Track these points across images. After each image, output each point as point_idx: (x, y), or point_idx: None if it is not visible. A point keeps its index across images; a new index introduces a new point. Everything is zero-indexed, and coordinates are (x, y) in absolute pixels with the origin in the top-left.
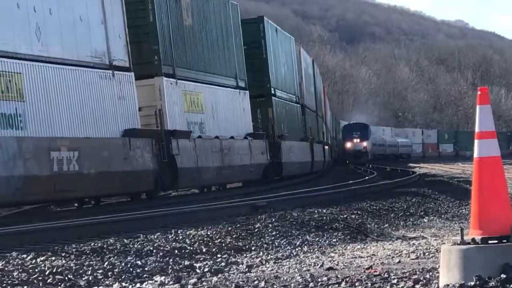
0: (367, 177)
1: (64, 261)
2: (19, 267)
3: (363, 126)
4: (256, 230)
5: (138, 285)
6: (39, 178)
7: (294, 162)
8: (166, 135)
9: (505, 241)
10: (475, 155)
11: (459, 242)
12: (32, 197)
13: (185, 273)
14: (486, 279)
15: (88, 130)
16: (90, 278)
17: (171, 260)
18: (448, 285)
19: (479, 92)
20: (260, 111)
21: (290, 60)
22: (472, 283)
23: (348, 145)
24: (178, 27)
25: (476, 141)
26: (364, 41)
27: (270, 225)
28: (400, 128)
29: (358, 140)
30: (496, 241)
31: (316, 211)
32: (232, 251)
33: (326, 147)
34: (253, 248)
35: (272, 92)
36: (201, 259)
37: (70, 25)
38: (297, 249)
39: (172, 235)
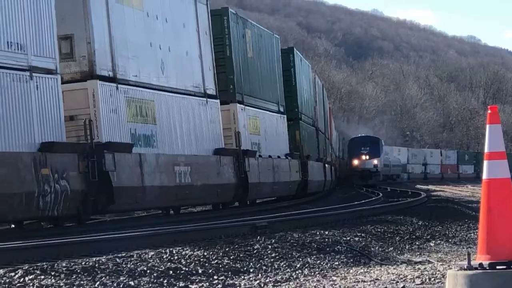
0: (373, 198)
1: (53, 280)
2: (7, 285)
3: (373, 140)
4: (255, 251)
5: None
6: (168, 188)
7: (315, 181)
8: (246, 153)
9: None
10: (484, 176)
11: (465, 267)
12: (164, 203)
13: None
14: None
15: (193, 149)
16: None
17: (165, 281)
18: None
19: (489, 111)
20: (288, 133)
21: (309, 86)
22: None
23: (355, 162)
24: (244, 59)
25: (485, 162)
26: (371, 56)
27: (270, 246)
28: (416, 149)
29: (367, 157)
30: (504, 267)
31: (318, 233)
32: (230, 272)
33: (332, 167)
34: (251, 270)
35: (299, 116)
36: (197, 280)
37: (180, 59)
38: (297, 272)
39: (167, 255)
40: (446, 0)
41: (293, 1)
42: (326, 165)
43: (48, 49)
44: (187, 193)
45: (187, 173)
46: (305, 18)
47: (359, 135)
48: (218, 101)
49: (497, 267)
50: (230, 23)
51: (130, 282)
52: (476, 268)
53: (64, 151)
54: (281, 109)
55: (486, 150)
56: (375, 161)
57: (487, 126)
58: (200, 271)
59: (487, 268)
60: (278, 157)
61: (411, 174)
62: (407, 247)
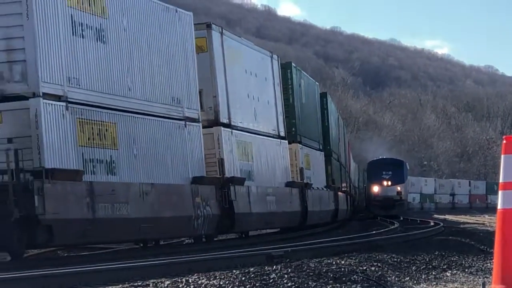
0: (390, 227)
1: None
2: None
3: (396, 163)
4: (271, 280)
5: None
6: (264, 214)
7: (343, 209)
8: (306, 186)
9: None
10: (499, 206)
11: None
12: (260, 226)
13: None
14: None
15: (273, 182)
16: None
17: None
18: None
19: (504, 141)
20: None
21: (335, 125)
22: None
23: (375, 189)
24: (301, 105)
25: (500, 192)
26: (389, 85)
27: (286, 276)
28: (444, 179)
29: (390, 183)
30: None
31: (334, 262)
32: None
33: (350, 197)
34: None
35: (331, 153)
36: None
37: (264, 107)
38: None
39: (183, 284)
40: (462, 31)
41: (311, 31)
42: (348, 196)
43: (194, 102)
44: (273, 218)
45: (273, 202)
46: (323, 48)
47: (380, 157)
48: (287, 141)
49: None
50: (292, 75)
51: None
52: None
53: (208, 183)
54: (321, 147)
55: (501, 180)
56: (399, 188)
57: (502, 156)
58: None
59: None
60: (323, 188)
61: (438, 204)
62: (423, 277)
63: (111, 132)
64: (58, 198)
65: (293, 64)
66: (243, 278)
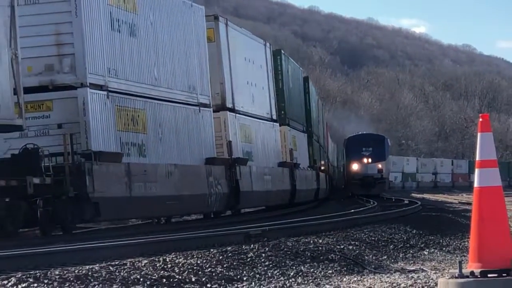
0: (368, 206)
1: None
2: None
3: (377, 139)
4: (248, 259)
5: None
6: (263, 192)
7: (323, 188)
8: (294, 166)
9: (505, 274)
10: (475, 184)
11: (457, 275)
12: (259, 204)
13: None
14: None
15: (267, 162)
16: None
17: None
18: None
19: (480, 119)
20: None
21: (316, 108)
22: None
23: (355, 167)
24: (289, 90)
25: (476, 170)
26: (366, 65)
27: (263, 255)
28: (427, 158)
29: (370, 160)
30: (495, 275)
31: (311, 241)
32: (223, 281)
33: (328, 176)
34: (244, 278)
35: (312, 134)
36: None
37: (260, 92)
38: (290, 280)
39: (160, 263)
40: (440, 9)
41: (288, 10)
42: (327, 175)
43: (206, 89)
44: (269, 196)
45: (269, 181)
46: (301, 27)
47: (359, 132)
48: (278, 124)
49: (488, 275)
50: (282, 61)
51: None
52: (467, 276)
53: (219, 164)
54: (304, 129)
55: (477, 158)
56: (380, 165)
57: (479, 135)
58: (193, 279)
59: (478, 276)
60: (307, 168)
61: (420, 183)
62: (401, 256)
63: (141, 118)
64: (104, 178)
65: (282, 51)
66: (220, 257)
